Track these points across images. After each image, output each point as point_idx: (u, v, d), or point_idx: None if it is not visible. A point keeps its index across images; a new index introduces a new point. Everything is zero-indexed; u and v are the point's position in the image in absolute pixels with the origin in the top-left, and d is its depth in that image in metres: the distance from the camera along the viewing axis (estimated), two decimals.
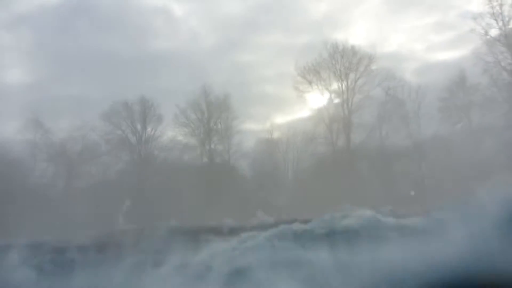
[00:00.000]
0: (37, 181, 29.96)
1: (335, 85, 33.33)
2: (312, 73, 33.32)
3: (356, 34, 54.93)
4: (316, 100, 34.25)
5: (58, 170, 29.82)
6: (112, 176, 32.56)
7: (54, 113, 30.58)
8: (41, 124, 28.16)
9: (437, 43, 45.90)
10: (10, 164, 28.48)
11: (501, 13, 28.02)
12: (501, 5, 28.08)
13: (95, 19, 46.23)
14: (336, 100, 33.30)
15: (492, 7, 28.09)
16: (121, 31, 48.86)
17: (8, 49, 44.54)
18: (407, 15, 52.61)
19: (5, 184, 26.65)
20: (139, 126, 34.23)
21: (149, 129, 34.33)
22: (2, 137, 28.40)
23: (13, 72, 46.55)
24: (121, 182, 31.81)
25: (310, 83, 33.42)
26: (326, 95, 33.69)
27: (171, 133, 34.28)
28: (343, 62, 32.81)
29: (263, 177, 32.70)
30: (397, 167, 29.62)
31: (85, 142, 31.26)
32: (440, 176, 27.57)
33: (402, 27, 53.59)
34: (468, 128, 29.07)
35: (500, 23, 28.07)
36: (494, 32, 28.30)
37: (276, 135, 34.39)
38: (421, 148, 29.35)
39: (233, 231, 9.40)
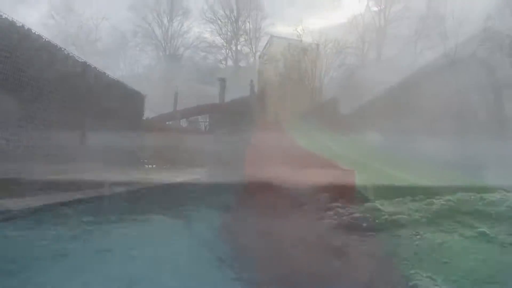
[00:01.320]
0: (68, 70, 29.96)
1: None
2: None
3: None
4: (352, 6, 32.47)
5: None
6: (139, 71, 32.49)
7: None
8: (71, 9, 27.31)
9: None
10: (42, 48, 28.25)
11: None
12: None
13: None
14: (374, 9, 31.70)
15: None
16: None
17: None
18: None
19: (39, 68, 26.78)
20: (165, 20, 33.21)
21: (175, 24, 33.38)
22: (33, 22, 27.74)
23: None
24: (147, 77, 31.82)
25: None
26: (363, 1, 32.01)
27: (197, 29, 33.36)
28: None
29: (289, 83, 32.41)
30: (427, 87, 29.08)
31: (112, 33, 30.62)
32: (470, 100, 27.29)
33: None
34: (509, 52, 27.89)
35: None
36: None
37: (306, 40, 33.23)
38: (454, 68, 28.51)
39: None
